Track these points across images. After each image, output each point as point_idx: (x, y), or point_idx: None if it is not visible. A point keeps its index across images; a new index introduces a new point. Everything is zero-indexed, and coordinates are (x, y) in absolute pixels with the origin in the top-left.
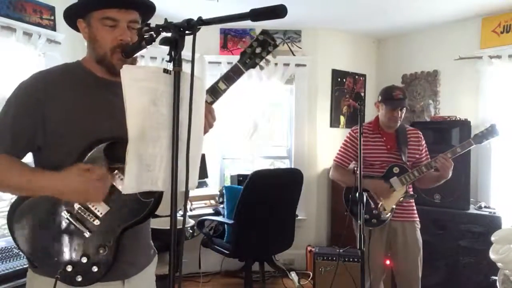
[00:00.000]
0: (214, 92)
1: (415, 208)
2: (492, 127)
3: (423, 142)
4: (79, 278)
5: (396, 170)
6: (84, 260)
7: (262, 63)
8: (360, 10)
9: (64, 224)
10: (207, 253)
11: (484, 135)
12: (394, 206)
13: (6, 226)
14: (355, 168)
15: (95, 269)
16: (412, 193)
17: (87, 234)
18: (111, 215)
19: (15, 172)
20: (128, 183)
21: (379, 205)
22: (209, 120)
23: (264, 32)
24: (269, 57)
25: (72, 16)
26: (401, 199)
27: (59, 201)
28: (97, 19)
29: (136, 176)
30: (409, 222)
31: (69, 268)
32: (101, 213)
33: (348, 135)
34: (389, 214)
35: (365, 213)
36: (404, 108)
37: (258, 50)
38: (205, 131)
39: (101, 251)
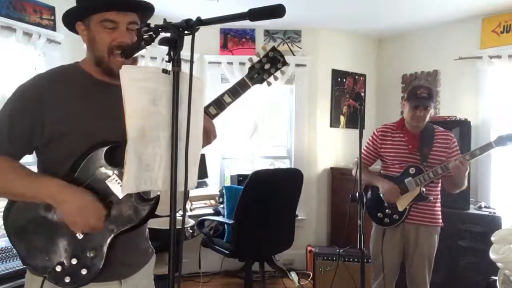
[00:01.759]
0: (219, 105)
1: (437, 213)
2: None
3: (454, 145)
4: (67, 279)
5: (412, 170)
6: (74, 261)
7: (270, 79)
8: (360, 10)
9: (58, 224)
10: (207, 253)
11: (508, 137)
12: (407, 207)
13: None
14: (381, 171)
15: (84, 271)
16: (426, 195)
17: (79, 236)
18: (105, 220)
19: (16, 175)
20: (127, 183)
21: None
22: (209, 136)
23: (274, 49)
24: (277, 73)
25: (71, 20)
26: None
27: None
28: (97, 21)
29: (136, 175)
30: (425, 227)
31: (58, 268)
32: None
33: (372, 134)
34: (402, 214)
35: (378, 212)
36: (429, 108)
37: (267, 66)
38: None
39: (91, 254)
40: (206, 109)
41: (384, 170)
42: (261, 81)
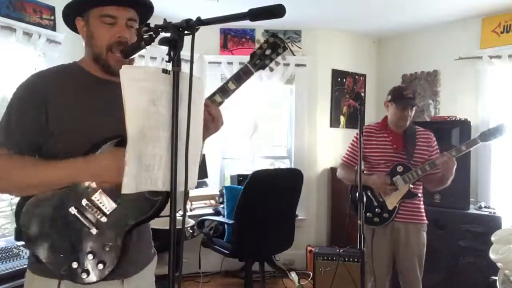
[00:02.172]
0: (224, 92)
1: (422, 210)
2: (500, 126)
3: (434, 143)
4: (84, 275)
5: (400, 168)
6: (90, 257)
7: (271, 64)
8: (360, 10)
9: (71, 220)
10: (207, 253)
11: (491, 133)
12: (397, 205)
13: (6, 226)
14: (364, 170)
15: (100, 266)
16: (415, 192)
17: (94, 231)
18: (118, 213)
19: (31, 167)
20: (127, 183)
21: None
22: (217, 123)
23: (274, 35)
24: (278, 59)
25: (71, 15)
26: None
27: (67, 196)
28: (96, 16)
29: (136, 176)
30: (413, 224)
31: (74, 265)
32: (108, 210)
33: (356, 135)
34: (391, 213)
35: (367, 211)
36: (414, 108)
37: (268, 51)
38: (210, 134)
39: (107, 249)
40: (212, 97)
41: (368, 170)
42: (263, 66)
